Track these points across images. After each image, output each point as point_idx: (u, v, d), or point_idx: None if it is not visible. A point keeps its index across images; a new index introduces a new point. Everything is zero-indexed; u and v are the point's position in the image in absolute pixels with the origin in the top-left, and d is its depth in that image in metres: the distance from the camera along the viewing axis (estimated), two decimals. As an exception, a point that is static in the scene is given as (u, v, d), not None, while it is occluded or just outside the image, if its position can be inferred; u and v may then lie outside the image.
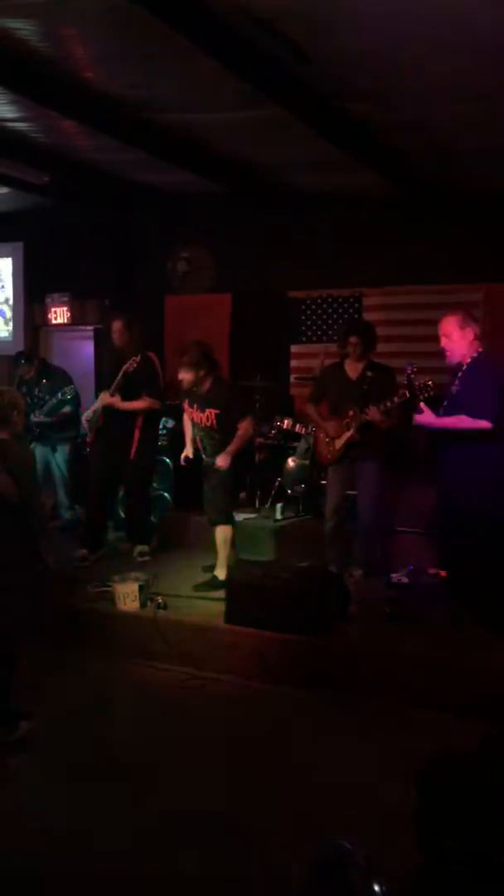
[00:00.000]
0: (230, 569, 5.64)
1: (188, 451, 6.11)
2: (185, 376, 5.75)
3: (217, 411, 5.73)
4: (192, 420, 5.93)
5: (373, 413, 5.60)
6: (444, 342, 4.90)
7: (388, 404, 5.53)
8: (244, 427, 5.75)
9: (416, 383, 5.12)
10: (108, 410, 6.58)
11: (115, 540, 6.95)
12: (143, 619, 5.31)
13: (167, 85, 5.52)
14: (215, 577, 5.76)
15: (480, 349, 4.93)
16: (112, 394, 6.45)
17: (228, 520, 5.89)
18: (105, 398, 6.52)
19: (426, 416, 4.89)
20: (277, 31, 4.54)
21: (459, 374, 4.88)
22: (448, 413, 4.91)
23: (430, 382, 5.11)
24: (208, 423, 5.77)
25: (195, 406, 5.84)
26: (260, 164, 7.36)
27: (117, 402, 6.45)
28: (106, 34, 4.84)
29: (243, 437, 5.77)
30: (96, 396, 6.96)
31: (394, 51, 4.74)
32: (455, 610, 5.05)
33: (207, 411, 5.76)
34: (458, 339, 4.85)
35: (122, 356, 6.53)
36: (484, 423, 4.72)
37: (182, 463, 6.20)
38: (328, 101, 5.64)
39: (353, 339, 5.92)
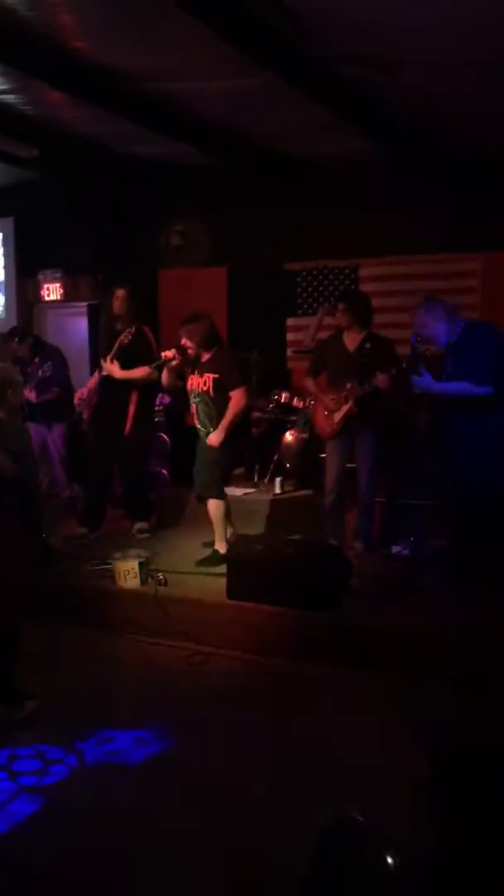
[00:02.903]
0: (231, 544, 5.61)
1: None
2: (188, 343, 5.71)
3: (215, 376, 5.68)
4: (191, 387, 5.83)
5: (381, 380, 5.55)
6: (426, 333, 4.86)
7: (395, 371, 5.48)
8: (236, 397, 5.68)
9: (421, 349, 5.06)
10: (102, 387, 6.50)
11: (113, 517, 6.92)
12: (144, 596, 5.28)
13: (157, 54, 5.41)
14: (216, 552, 5.73)
15: (462, 320, 4.85)
16: (111, 360, 6.39)
17: (219, 494, 5.82)
18: (104, 365, 6.44)
19: (426, 380, 4.83)
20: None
21: (450, 351, 4.83)
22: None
23: (432, 348, 5.06)
24: (205, 388, 5.71)
25: (196, 371, 5.79)
26: (253, 134, 7.24)
27: (116, 368, 6.38)
28: (94, 2, 4.73)
29: (235, 408, 5.69)
30: (92, 372, 6.89)
31: (386, 13, 4.64)
32: (458, 581, 5.04)
33: (206, 376, 5.70)
34: (433, 323, 4.82)
35: (117, 328, 6.46)
36: (484, 390, 4.68)
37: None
38: (321, 66, 5.54)
39: (340, 307, 5.89)
